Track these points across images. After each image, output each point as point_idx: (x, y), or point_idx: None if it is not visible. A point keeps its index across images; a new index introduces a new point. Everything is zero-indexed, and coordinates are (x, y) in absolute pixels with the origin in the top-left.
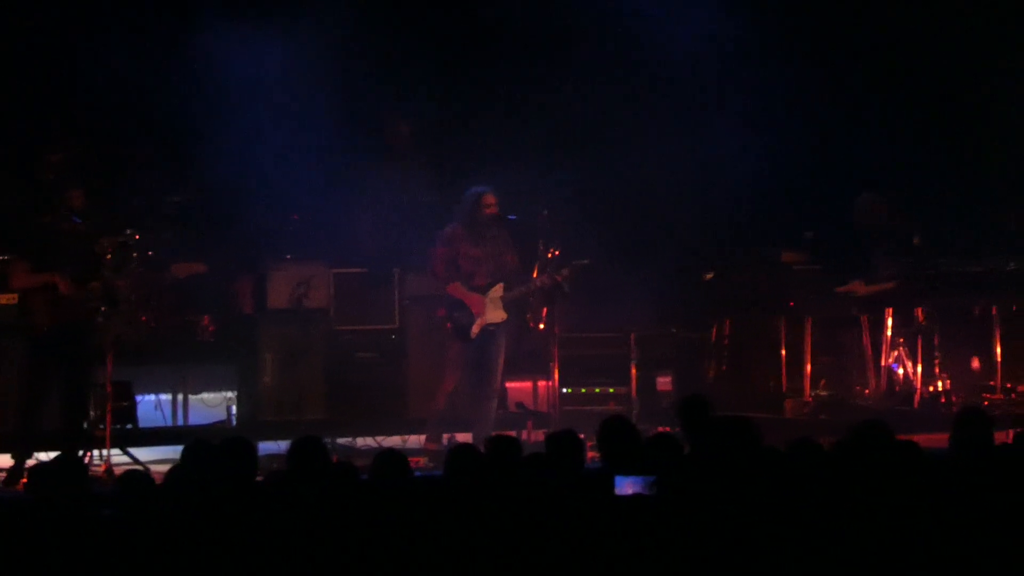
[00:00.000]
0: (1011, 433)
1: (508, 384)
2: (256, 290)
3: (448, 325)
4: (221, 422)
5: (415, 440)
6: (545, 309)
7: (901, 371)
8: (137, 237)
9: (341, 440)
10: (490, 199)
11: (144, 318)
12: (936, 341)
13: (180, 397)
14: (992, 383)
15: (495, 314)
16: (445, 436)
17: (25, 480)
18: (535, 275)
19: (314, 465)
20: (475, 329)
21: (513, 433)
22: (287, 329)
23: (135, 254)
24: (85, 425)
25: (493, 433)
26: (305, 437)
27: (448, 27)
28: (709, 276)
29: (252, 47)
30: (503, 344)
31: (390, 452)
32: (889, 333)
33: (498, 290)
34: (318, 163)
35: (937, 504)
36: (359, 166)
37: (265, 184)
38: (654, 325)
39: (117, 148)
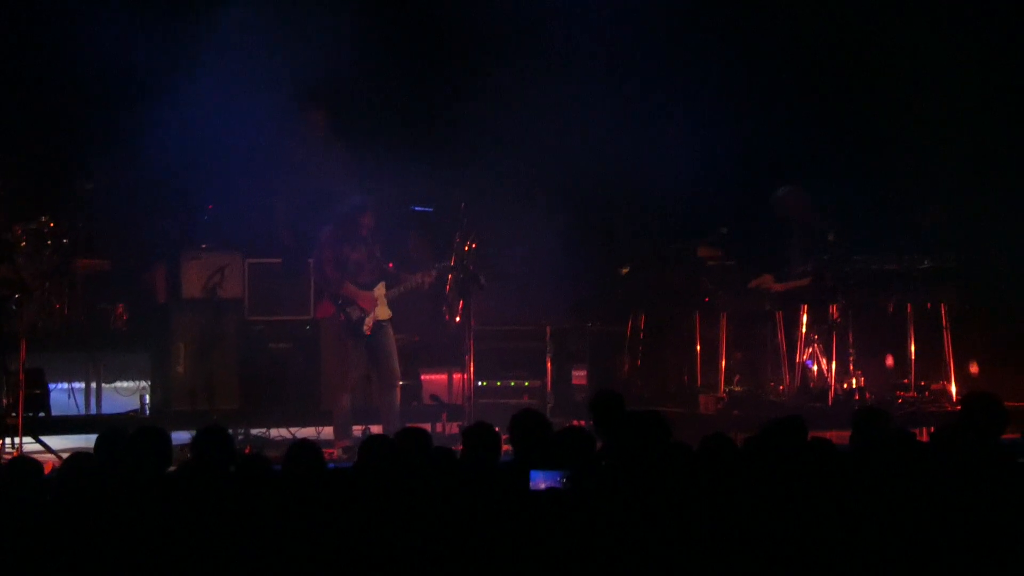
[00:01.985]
0: (925, 431)
1: (423, 376)
2: (170, 279)
3: (342, 318)
4: (135, 411)
5: (329, 432)
6: (461, 302)
7: (815, 367)
8: (52, 224)
9: (255, 431)
10: (369, 220)
11: (58, 305)
12: (850, 338)
13: (93, 385)
14: (906, 381)
15: (383, 311)
16: (358, 428)
17: None
18: (452, 266)
19: (219, 456)
20: (368, 323)
21: (428, 426)
22: (201, 319)
23: (49, 241)
24: None
25: (407, 425)
26: (207, 427)
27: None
28: (625, 270)
29: (166, 28)
30: (392, 336)
31: (303, 443)
32: (804, 329)
33: (381, 288)
34: (233, 151)
35: (843, 501)
36: (275, 154)
37: (180, 172)
38: (570, 319)
39: (29, 133)
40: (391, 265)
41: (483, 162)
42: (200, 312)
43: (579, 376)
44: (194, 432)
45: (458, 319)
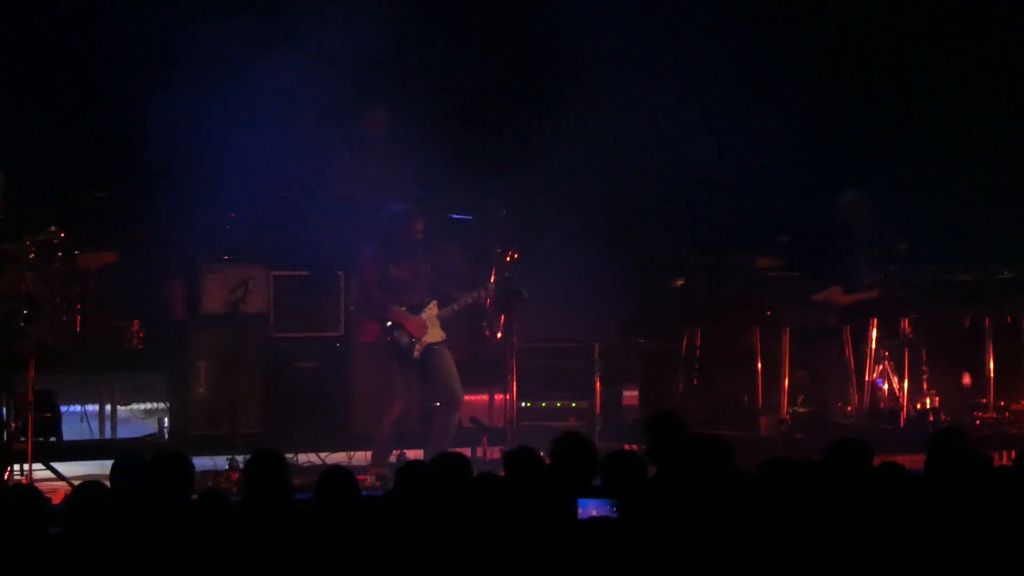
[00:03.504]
0: (1006, 455)
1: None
2: (189, 294)
3: (388, 340)
4: (152, 435)
5: (361, 457)
6: (503, 317)
7: (886, 387)
8: (63, 235)
9: None
10: (418, 224)
11: (69, 322)
12: (923, 354)
13: (107, 408)
14: (984, 400)
15: (434, 333)
16: (395, 453)
17: None
18: (492, 281)
19: (275, 482)
20: (418, 349)
21: (467, 450)
22: (222, 336)
23: (59, 253)
24: (4, 438)
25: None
26: (261, 451)
27: (407, 17)
28: (679, 283)
29: (186, 23)
30: (451, 359)
31: (336, 469)
32: (873, 345)
33: (433, 308)
34: (259, 155)
35: (917, 530)
36: (303, 159)
37: (200, 178)
38: (619, 335)
39: (38, 137)
40: (441, 281)
41: (525, 166)
42: (221, 329)
43: (630, 397)
44: (220, 459)
45: (499, 335)
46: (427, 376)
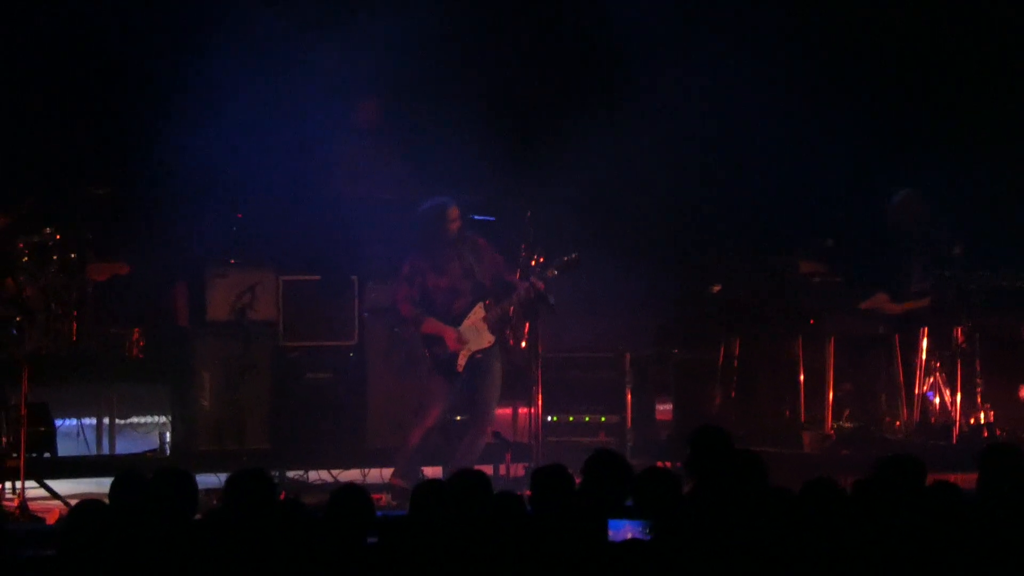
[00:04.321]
0: None
1: None
2: (193, 299)
3: (427, 354)
4: (153, 451)
5: (376, 474)
6: (527, 325)
7: (937, 400)
8: (58, 237)
9: (291, 473)
10: (454, 213)
11: (65, 330)
12: (977, 366)
13: (106, 421)
14: None
15: (480, 339)
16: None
17: None
18: (517, 280)
19: (256, 502)
20: (461, 362)
21: (489, 468)
22: (228, 345)
23: (55, 256)
24: None
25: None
26: (245, 470)
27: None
28: (716, 289)
29: (192, 13)
30: (497, 371)
31: (350, 487)
32: (924, 356)
33: (479, 311)
34: (267, 151)
35: (971, 554)
36: (316, 155)
37: (205, 176)
38: (653, 344)
39: (34, 132)
40: (488, 270)
41: (552, 165)
42: (227, 337)
43: (664, 411)
44: (226, 475)
45: (524, 344)
46: (468, 391)
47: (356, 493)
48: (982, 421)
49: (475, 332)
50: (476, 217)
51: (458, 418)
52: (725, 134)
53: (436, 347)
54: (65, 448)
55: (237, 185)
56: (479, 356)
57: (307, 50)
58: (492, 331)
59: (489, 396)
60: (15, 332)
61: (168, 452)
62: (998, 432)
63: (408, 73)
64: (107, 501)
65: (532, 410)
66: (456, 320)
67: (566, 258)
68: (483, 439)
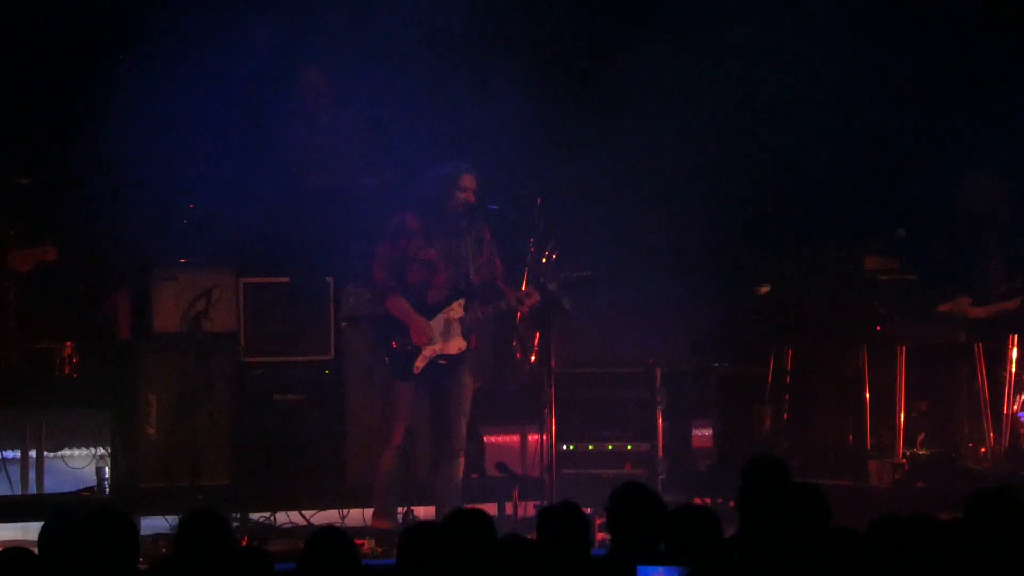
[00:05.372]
0: None
1: (487, 438)
2: (136, 307)
3: (386, 343)
4: (89, 489)
5: (357, 516)
6: (537, 334)
7: None
8: None
9: (255, 515)
10: (468, 181)
11: None
12: None
13: (32, 455)
14: None
15: (448, 341)
16: (400, 510)
17: None
18: (523, 287)
19: (213, 550)
20: (419, 363)
21: (493, 506)
22: (179, 361)
23: None
24: None
25: (464, 506)
26: (199, 510)
27: None
28: (764, 290)
29: None
30: (467, 385)
31: (328, 532)
32: (1013, 369)
33: (456, 309)
34: (225, 133)
35: None
36: (282, 140)
37: (151, 162)
38: (689, 357)
39: None
40: (489, 265)
41: (569, 145)
42: (178, 352)
43: (702, 436)
44: (176, 518)
45: (533, 358)
46: (430, 402)
47: (335, 538)
48: None
49: (445, 331)
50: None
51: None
52: (777, 111)
53: (396, 335)
54: None
55: (188, 170)
56: (443, 363)
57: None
58: (465, 335)
59: (453, 413)
60: None
61: (107, 490)
62: None
63: (392, 29)
64: (35, 550)
65: (544, 437)
66: (428, 311)
67: (576, 275)
68: (456, 467)
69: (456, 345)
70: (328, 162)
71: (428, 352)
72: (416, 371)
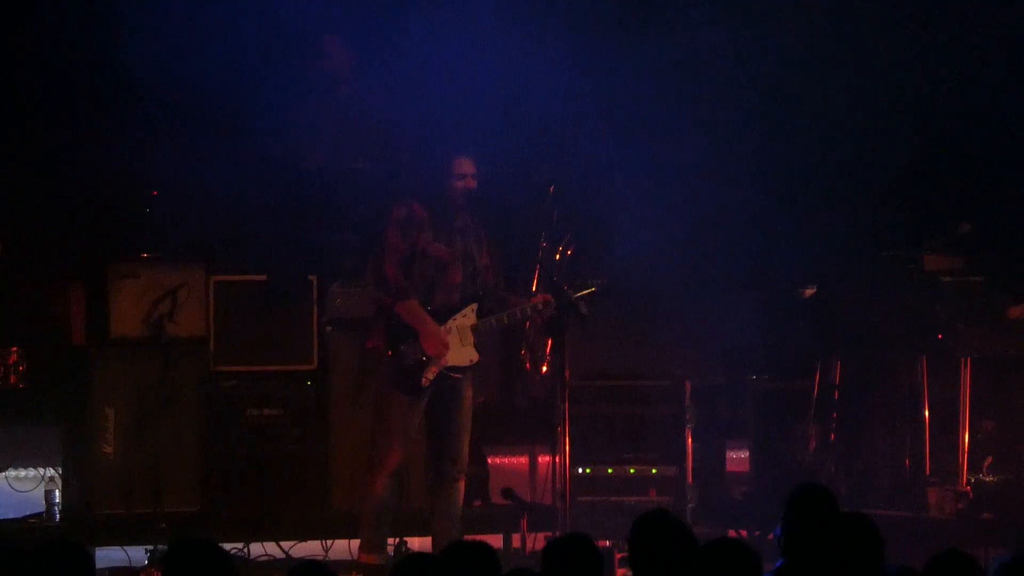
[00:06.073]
0: None
1: (491, 460)
2: (92, 308)
3: (389, 354)
4: (37, 515)
5: (342, 547)
6: (549, 342)
7: None
8: None
9: (227, 545)
10: (464, 165)
11: None
12: None
13: None
14: None
15: (461, 353)
16: (391, 542)
17: None
18: (534, 292)
19: None
20: (429, 375)
21: (498, 538)
22: (141, 370)
23: None
24: None
25: (465, 538)
26: (188, 544)
27: None
28: (809, 293)
29: None
30: (469, 400)
31: (309, 566)
32: None
33: (469, 315)
34: (191, 104)
35: None
36: (259, 108)
37: (107, 141)
38: (722, 369)
39: None
40: (488, 264)
41: (588, 119)
42: (139, 360)
43: (737, 459)
44: (136, 549)
45: (545, 369)
46: (434, 419)
47: (317, 573)
48: None
49: (459, 341)
50: None
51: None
52: (826, 87)
53: (405, 345)
54: None
55: (150, 150)
56: (457, 376)
57: None
58: (479, 347)
59: (454, 431)
60: None
61: (57, 517)
62: None
63: None
64: None
65: (556, 459)
66: (438, 316)
67: (582, 294)
68: (458, 492)
69: (468, 356)
70: (320, 141)
71: (439, 364)
72: (424, 384)
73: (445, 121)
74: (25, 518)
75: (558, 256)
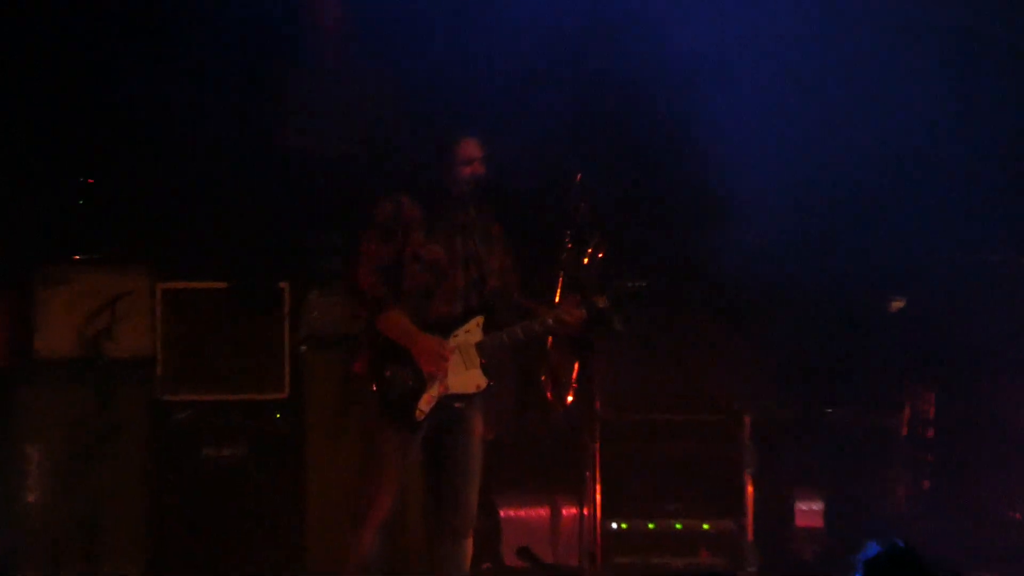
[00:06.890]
0: None
1: (504, 512)
2: (12, 322)
3: (374, 387)
4: None
5: None
6: (576, 365)
7: None
8: None
9: None
10: (471, 148)
11: None
12: None
13: None
14: None
15: (466, 377)
16: None
17: None
18: (557, 301)
19: None
20: (424, 404)
21: None
22: (74, 397)
23: None
24: None
25: None
26: None
27: None
28: (898, 305)
29: None
30: (477, 431)
31: None
32: None
33: (474, 330)
34: (133, 74)
35: None
36: (219, 79)
37: (37, 125)
38: (788, 401)
39: None
40: (505, 267)
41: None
42: (70, 385)
43: (808, 512)
44: None
45: (570, 398)
46: (430, 457)
47: None
48: None
49: (463, 362)
50: None
51: None
52: (911, 76)
53: (394, 365)
54: None
55: (85, 130)
56: (460, 406)
57: None
58: (486, 369)
59: (459, 476)
60: None
61: None
62: None
63: None
64: None
65: (585, 510)
66: (437, 331)
67: (631, 285)
68: (464, 551)
69: (474, 381)
70: (295, 117)
71: (436, 391)
72: (419, 417)
73: (447, 93)
74: None
75: (587, 260)
